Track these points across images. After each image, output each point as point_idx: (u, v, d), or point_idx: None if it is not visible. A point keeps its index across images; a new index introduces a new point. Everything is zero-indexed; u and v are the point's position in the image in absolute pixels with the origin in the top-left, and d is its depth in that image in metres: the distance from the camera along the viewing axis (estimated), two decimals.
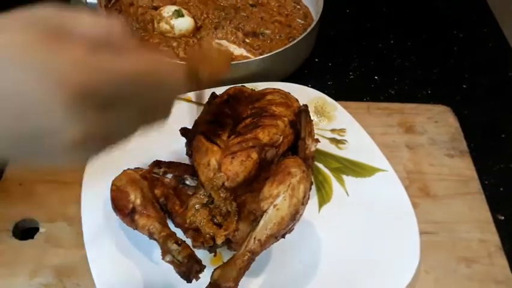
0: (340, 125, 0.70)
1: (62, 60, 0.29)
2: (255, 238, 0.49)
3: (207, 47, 0.40)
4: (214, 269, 0.49)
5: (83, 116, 0.30)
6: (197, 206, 0.54)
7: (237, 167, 0.54)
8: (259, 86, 0.68)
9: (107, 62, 0.31)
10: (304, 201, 0.50)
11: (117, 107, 0.32)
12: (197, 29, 0.84)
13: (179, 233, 0.54)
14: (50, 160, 0.32)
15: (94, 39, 0.31)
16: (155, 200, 0.56)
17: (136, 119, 0.34)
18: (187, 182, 0.58)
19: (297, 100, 0.64)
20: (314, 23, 0.80)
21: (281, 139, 0.58)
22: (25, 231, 0.62)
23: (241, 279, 0.49)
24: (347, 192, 0.63)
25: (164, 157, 0.63)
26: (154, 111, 0.36)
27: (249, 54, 0.82)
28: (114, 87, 0.31)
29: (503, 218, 0.65)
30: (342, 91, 0.80)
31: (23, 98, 0.29)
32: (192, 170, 0.58)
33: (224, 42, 0.83)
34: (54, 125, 0.29)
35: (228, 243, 0.53)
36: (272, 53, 0.74)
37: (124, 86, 0.31)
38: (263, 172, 0.55)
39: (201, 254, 0.52)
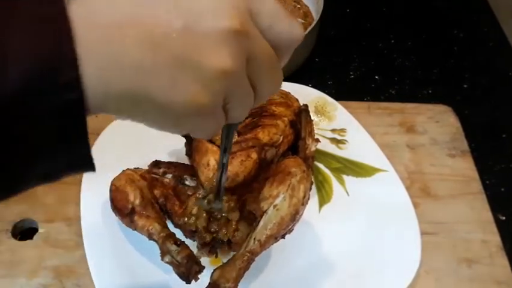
0: (340, 125, 0.69)
1: None
2: (254, 238, 0.49)
3: None
4: (214, 270, 0.49)
5: (242, 11, 0.30)
6: (196, 207, 0.54)
7: (237, 167, 0.54)
8: None
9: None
10: (304, 202, 0.50)
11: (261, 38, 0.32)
12: None
13: (179, 234, 0.54)
14: (201, 62, 0.29)
15: None
16: (155, 200, 0.56)
17: (271, 59, 0.34)
18: (187, 182, 0.58)
19: (297, 100, 0.64)
20: (314, 22, 0.79)
21: (281, 139, 0.58)
22: (24, 231, 0.61)
23: (241, 280, 0.49)
24: (347, 192, 0.63)
25: (164, 157, 0.62)
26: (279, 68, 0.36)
27: None
28: (266, 7, 0.33)
29: (504, 218, 0.65)
30: (342, 91, 0.79)
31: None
32: (191, 170, 0.58)
33: None
34: (216, 4, 0.30)
35: (228, 243, 0.53)
36: None
37: (269, 12, 0.33)
38: (263, 172, 0.55)
39: None
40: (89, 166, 0.30)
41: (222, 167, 0.44)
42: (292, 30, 0.35)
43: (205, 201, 0.54)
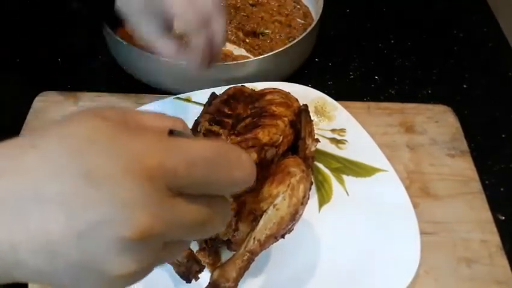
0: (340, 125, 0.70)
1: (138, 143, 0.28)
2: (254, 238, 0.49)
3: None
4: (214, 269, 0.49)
5: (154, 200, 0.27)
6: None
7: None
8: (259, 86, 0.68)
9: (182, 144, 0.28)
10: (304, 201, 0.50)
11: (188, 198, 0.29)
12: None
13: None
14: (101, 268, 0.27)
15: (161, 129, 0.30)
16: None
17: (202, 216, 0.30)
18: None
19: (297, 100, 0.64)
20: (314, 23, 0.80)
21: (281, 139, 0.58)
22: None
23: (241, 279, 0.49)
24: (347, 192, 0.63)
25: None
26: (221, 208, 0.31)
27: (249, 54, 0.82)
28: (189, 170, 0.28)
29: (503, 218, 0.65)
30: (342, 91, 0.79)
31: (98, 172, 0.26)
32: None
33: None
34: (119, 211, 0.26)
35: (228, 243, 0.53)
36: (272, 53, 0.74)
37: (198, 170, 0.28)
38: (263, 172, 0.55)
39: None
40: None
41: None
42: (235, 181, 0.31)
43: None
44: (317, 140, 0.61)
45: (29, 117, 0.72)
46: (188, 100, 0.71)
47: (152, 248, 0.28)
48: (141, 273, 0.29)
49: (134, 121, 0.30)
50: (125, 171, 0.26)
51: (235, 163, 0.30)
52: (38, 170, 0.27)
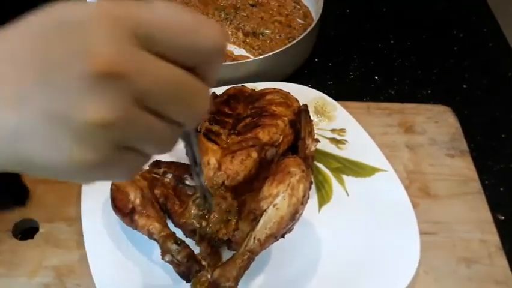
0: (340, 125, 0.70)
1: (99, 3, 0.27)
2: (254, 238, 0.49)
3: None
4: (214, 269, 0.49)
5: (119, 43, 0.26)
6: (196, 206, 0.54)
7: (237, 166, 0.54)
8: (259, 86, 0.68)
9: (150, 4, 0.28)
10: (304, 201, 0.50)
11: (158, 51, 0.27)
12: None
13: (179, 233, 0.54)
14: (71, 153, 0.27)
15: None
16: (155, 200, 0.56)
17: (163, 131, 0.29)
18: (187, 182, 0.58)
19: (297, 100, 0.64)
20: (314, 23, 0.80)
21: (281, 139, 0.58)
22: (25, 231, 0.62)
23: (241, 279, 0.49)
24: (347, 192, 0.63)
25: (164, 157, 0.62)
26: (174, 129, 0.30)
27: (249, 54, 0.82)
28: (153, 20, 0.27)
29: (503, 218, 0.65)
30: (342, 91, 0.80)
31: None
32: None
33: None
34: (84, 47, 0.26)
35: (228, 242, 0.53)
36: (272, 53, 0.74)
37: (163, 24, 0.27)
38: (263, 171, 0.55)
39: None
40: None
41: (198, 176, 0.42)
42: (202, 39, 0.28)
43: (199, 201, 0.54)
44: (317, 140, 0.61)
45: None
46: None
47: (124, 89, 0.26)
48: (110, 135, 0.27)
49: None
50: (92, 17, 0.26)
51: (201, 25, 0.29)
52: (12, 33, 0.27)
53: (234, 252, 0.51)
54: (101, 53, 0.25)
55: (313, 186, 0.59)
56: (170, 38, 0.27)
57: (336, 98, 0.72)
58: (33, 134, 0.27)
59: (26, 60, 0.26)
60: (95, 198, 0.59)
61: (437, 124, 0.73)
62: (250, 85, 0.68)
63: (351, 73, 0.85)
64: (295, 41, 0.76)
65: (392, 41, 0.91)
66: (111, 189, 0.55)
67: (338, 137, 0.69)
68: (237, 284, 0.49)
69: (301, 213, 0.51)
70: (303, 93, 0.69)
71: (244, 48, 0.83)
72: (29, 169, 0.29)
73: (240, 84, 0.67)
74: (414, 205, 0.61)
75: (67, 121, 0.26)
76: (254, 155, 0.55)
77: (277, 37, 0.84)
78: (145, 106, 0.27)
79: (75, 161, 0.27)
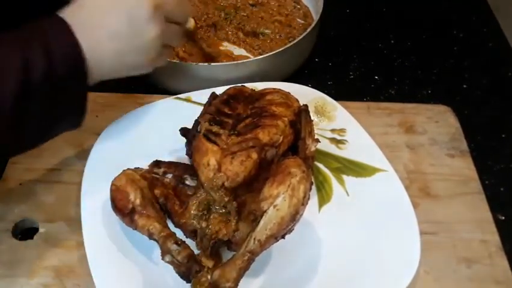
0: (340, 125, 0.70)
1: None
2: (254, 238, 0.49)
3: None
4: (214, 269, 0.49)
5: (158, 21, 0.55)
6: (196, 206, 0.54)
7: (237, 167, 0.54)
8: (259, 86, 0.68)
9: None
10: (304, 202, 0.50)
11: (168, 22, 0.58)
12: (197, 29, 0.83)
13: (179, 233, 0.54)
14: (137, 55, 0.57)
15: None
16: (155, 200, 0.56)
17: (174, 30, 0.60)
18: (187, 182, 0.58)
19: (297, 100, 0.64)
20: (314, 23, 0.80)
21: (281, 139, 0.58)
22: (25, 231, 0.62)
23: (241, 280, 0.49)
24: (347, 192, 0.63)
25: (164, 157, 0.63)
26: (178, 29, 0.62)
27: (249, 54, 0.82)
28: (171, 6, 0.58)
29: (503, 218, 0.65)
30: (342, 91, 0.80)
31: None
32: (191, 170, 0.58)
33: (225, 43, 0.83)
34: (144, 23, 0.54)
35: (228, 243, 0.53)
36: (272, 53, 0.74)
37: (174, 6, 0.59)
38: (263, 172, 0.55)
39: None
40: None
41: None
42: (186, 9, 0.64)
43: (206, 201, 0.54)
44: (317, 140, 0.61)
45: None
46: (188, 100, 0.71)
47: (161, 17, 0.56)
48: (159, 41, 0.57)
49: None
50: (144, 5, 0.54)
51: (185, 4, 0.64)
52: (103, 12, 0.54)
53: (234, 253, 0.51)
54: (154, 28, 0.56)
55: (313, 186, 0.59)
56: (174, 10, 0.59)
57: (336, 98, 0.72)
58: (125, 62, 0.57)
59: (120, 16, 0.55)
60: (95, 198, 0.59)
61: (437, 124, 0.73)
62: (250, 85, 0.68)
63: (351, 73, 0.85)
64: (295, 41, 0.76)
65: (392, 41, 0.91)
66: (111, 189, 0.55)
67: (338, 137, 0.69)
68: (237, 285, 0.49)
69: (302, 214, 0.51)
70: (303, 93, 0.69)
71: (244, 48, 0.83)
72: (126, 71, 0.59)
73: (240, 84, 0.67)
74: (415, 205, 0.61)
75: (145, 43, 0.56)
76: (254, 155, 0.55)
77: (277, 37, 0.84)
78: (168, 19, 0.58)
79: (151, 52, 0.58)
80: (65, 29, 0.51)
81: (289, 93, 0.65)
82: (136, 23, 0.54)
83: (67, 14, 0.52)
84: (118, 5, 0.54)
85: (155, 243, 0.53)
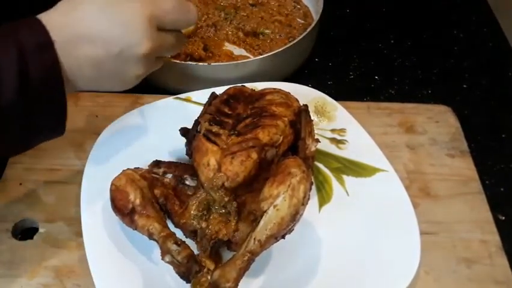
0: (340, 125, 0.70)
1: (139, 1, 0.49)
2: (254, 239, 0.49)
3: None
4: (214, 270, 0.49)
5: (151, 34, 0.49)
6: (196, 206, 0.54)
7: (237, 167, 0.54)
8: (259, 86, 0.68)
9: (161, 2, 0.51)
10: (304, 202, 0.50)
11: (165, 32, 0.52)
12: (197, 29, 0.83)
13: (179, 233, 0.54)
14: (122, 74, 0.50)
15: None
16: (155, 200, 0.56)
17: (173, 41, 0.54)
18: (187, 182, 0.58)
19: (297, 100, 0.64)
20: (314, 22, 0.80)
21: (281, 139, 0.58)
22: (24, 231, 0.62)
23: (241, 280, 0.49)
24: (347, 192, 0.63)
25: (164, 157, 0.63)
26: (180, 37, 0.56)
27: (249, 54, 0.82)
28: (168, 15, 0.51)
29: (503, 218, 0.65)
30: (342, 91, 0.79)
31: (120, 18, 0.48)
32: (191, 170, 0.58)
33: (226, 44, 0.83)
34: (136, 39, 0.48)
35: (228, 243, 0.53)
36: (272, 53, 0.74)
37: (172, 15, 0.52)
38: (263, 172, 0.55)
39: None
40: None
41: None
42: (189, 20, 0.55)
43: (205, 202, 0.54)
44: (317, 140, 0.61)
45: None
46: (188, 100, 0.71)
47: (151, 59, 0.51)
48: (145, 74, 0.52)
49: None
50: (134, 18, 0.48)
51: (188, 10, 0.54)
52: (87, 21, 0.47)
53: (234, 253, 0.51)
54: (147, 44, 0.49)
55: (313, 186, 0.59)
56: (173, 20, 0.53)
57: (336, 98, 0.72)
58: (103, 81, 0.51)
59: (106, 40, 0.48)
60: (95, 198, 0.59)
61: (437, 124, 0.73)
62: (250, 85, 0.68)
63: (351, 73, 0.85)
64: (295, 41, 0.76)
65: (392, 41, 0.91)
66: (111, 189, 0.55)
67: (338, 137, 0.69)
68: (237, 285, 0.48)
69: (302, 214, 0.51)
70: (303, 93, 0.69)
71: (244, 48, 0.83)
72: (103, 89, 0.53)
73: (240, 84, 0.66)
74: (415, 205, 0.61)
75: (126, 76, 0.51)
76: (254, 155, 0.55)
77: (277, 37, 0.84)
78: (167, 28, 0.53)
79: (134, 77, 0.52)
80: (39, 30, 0.46)
81: (289, 93, 0.65)
82: (126, 53, 0.48)
83: (50, 20, 0.47)
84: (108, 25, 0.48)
85: (155, 243, 0.53)
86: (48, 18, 0.47)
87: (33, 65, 0.45)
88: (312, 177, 0.58)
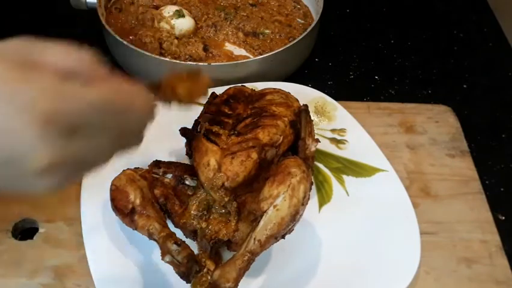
0: (340, 125, 0.70)
1: (30, 88, 0.30)
2: (254, 238, 0.49)
3: (188, 69, 0.43)
4: (214, 270, 0.49)
5: (51, 143, 0.31)
6: (196, 206, 0.54)
7: (237, 167, 0.54)
8: (259, 86, 0.68)
9: (74, 90, 0.31)
10: (304, 202, 0.50)
11: (85, 134, 0.32)
12: (197, 29, 0.83)
13: (179, 233, 0.54)
14: (20, 187, 0.33)
15: (63, 69, 0.32)
16: (155, 200, 0.56)
17: (107, 145, 0.34)
18: (187, 182, 0.58)
19: (297, 100, 0.64)
20: (314, 23, 0.80)
21: (281, 139, 0.58)
22: (24, 231, 0.61)
23: (241, 280, 0.49)
24: (347, 192, 0.63)
25: (164, 157, 0.63)
26: (125, 137, 0.36)
27: (249, 54, 0.82)
28: (80, 114, 0.31)
29: (503, 218, 0.65)
30: (342, 91, 0.80)
31: None
32: (191, 170, 0.58)
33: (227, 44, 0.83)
34: (23, 151, 0.31)
35: (228, 243, 0.53)
36: (272, 53, 0.74)
37: (90, 114, 0.32)
38: (263, 172, 0.55)
39: None
40: None
41: None
42: (130, 117, 0.35)
43: (205, 202, 0.54)
44: (317, 140, 0.61)
45: None
46: None
47: (59, 172, 0.32)
48: (65, 184, 0.34)
49: (36, 58, 0.32)
50: (21, 115, 0.30)
51: (129, 105, 0.34)
52: None
53: (234, 253, 0.50)
54: (41, 158, 0.31)
55: (313, 186, 0.59)
56: (98, 125, 0.33)
57: (336, 98, 0.72)
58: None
59: None
60: (95, 198, 0.59)
61: (437, 124, 0.73)
62: (250, 85, 0.68)
63: (351, 73, 0.85)
64: (295, 41, 0.76)
65: (392, 41, 0.91)
66: (111, 189, 0.55)
67: (338, 137, 0.69)
68: (237, 285, 0.48)
69: (302, 214, 0.51)
70: (303, 93, 0.69)
71: (244, 48, 0.83)
72: None
73: (240, 84, 0.66)
74: (415, 205, 0.61)
75: (24, 165, 0.31)
76: (254, 156, 0.55)
77: (277, 37, 0.83)
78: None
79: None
80: None
81: (289, 93, 0.65)
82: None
83: None
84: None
85: (155, 243, 0.53)
86: None
87: None
88: (312, 177, 0.58)
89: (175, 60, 0.74)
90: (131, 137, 0.37)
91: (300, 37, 0.76)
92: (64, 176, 0.33)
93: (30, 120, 0.30)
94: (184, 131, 0.62)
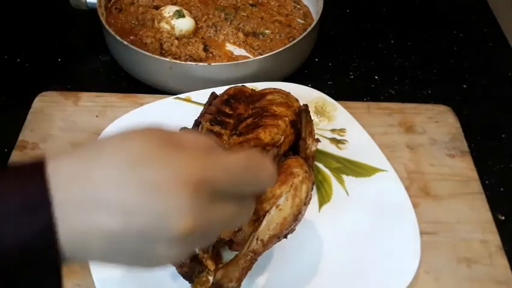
0: (340, 125, 0.70)
1: (185, 155, 0.33)
2: (257, 238, 0.49)
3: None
4: (215, 269, 0.49)
5: (197, 208, 0.32)
6: None
7: None
8: (259, 86, 0.68)
9: (218, 158, 0.35)
10: (306, 202, 0.50)
11: (223, 201, 0.35)
12: (197, 29, 0.83)
13: None
14: (145, 259, 0.35)
15: (202, 146, 0.35)
16: None
17: (237, 214, 0.36)
18: None
19: (297, 100, 0.64)
20: (314, 23, 0.80)
21: (282, 139, 0.58)
22: None
23: (244, 279, 0.49)
24: (347, 192, 0.63)
25: None
26: (247, 206, 0.38)
27: (249, 55, 0.82)
28: (225, 181, 0.34)
29: (503, 218, 0.65)
30: (342, 91, 0.79)
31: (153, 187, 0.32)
32: None
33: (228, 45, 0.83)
34: (171, 213, 0.32)
35: (230, 243, 0.53)
36: (272, 53, 0.74)
37: (232, 180, 0.35)
38: None
39: None
40: None
41: None
42: (261, 179, 0.37)
43: None
44: (318, 140, 0.61)
45: (29, 117, 0.72)
46: (188, 100, 0.71)
47: (192, 241, 0.34)
48: (182, 256, 0.36)
49: (177, 139, 0.35)
50: (173, 181, 0.32)
51: (261, 168, 0.37)
52: (103, 179, 0.32)
53: (235, 253, 0.51)
54: (185, 223, 0.32)
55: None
56: (238, 187, 0.36)
57: (336, 98, 0.72)
58: (120, 259, 0.35)
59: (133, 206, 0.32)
60: None
61: (437, 124, 0.73)
62: (250, 85, 0.68)
63: (351, 73, 0.85)
64: (295, 41, 0.76)
65: (392, 41, 0.91)
66: None
67: (338, 137, 0.69)
68: (240, 285, 0.49)
69: (304, 214, 0.51)
70: (303, 93, 0.69)
71: (244, 48, 0.83)
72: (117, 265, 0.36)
73: (240, 84, 0.66)
74: (415, 205, 0.61)
75: (151, 258, 0.34)
76: None
77: (277, 37, 0.84)
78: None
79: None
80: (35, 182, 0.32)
81: (289, 93, 0.65)
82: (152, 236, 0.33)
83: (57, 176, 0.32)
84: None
85: None
86: (56, 166, 0.33)
87: (12, 228, 0.31)
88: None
89: (175, 61, 0.74)
90: (250, 205, 0.39)
91: (300, 37, 0.77)
92: (193, 245, 0.37)
93: (183, 184, 0.32)
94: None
